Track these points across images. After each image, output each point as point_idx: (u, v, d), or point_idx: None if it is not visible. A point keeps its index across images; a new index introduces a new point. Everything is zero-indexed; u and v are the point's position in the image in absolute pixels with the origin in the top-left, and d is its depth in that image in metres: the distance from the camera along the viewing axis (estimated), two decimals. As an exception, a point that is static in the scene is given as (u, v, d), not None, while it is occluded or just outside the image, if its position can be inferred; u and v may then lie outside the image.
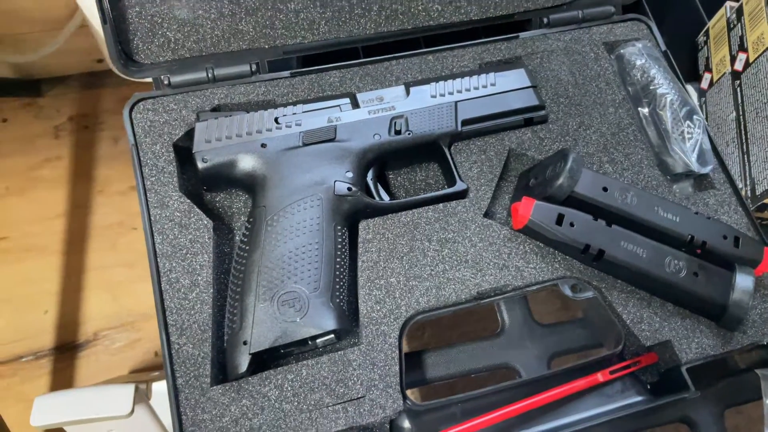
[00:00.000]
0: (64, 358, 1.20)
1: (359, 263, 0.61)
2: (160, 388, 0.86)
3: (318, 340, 0.56)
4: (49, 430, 0.79)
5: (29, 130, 1.41)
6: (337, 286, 0.58)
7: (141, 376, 1.06)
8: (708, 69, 0.84)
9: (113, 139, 1.42)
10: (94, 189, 1.36)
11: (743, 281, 0.59)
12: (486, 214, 0.64)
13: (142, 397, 0.79)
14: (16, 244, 1.29)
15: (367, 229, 0.62)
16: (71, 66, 1.43)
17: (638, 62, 0.72)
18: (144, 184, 0.62)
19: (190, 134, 0.64)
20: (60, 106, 1.44)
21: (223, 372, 0.56)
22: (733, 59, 0.78)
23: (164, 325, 0.56)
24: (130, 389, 0.77)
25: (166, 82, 0.67)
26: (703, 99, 0.84)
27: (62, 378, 1.19)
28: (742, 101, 0.75)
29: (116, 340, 1.22)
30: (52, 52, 1.29)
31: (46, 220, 1.31)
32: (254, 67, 0.69)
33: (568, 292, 0.61)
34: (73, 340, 1.22)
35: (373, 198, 0.64)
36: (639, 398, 0.60)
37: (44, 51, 1.29)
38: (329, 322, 0.56)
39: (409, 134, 0.65)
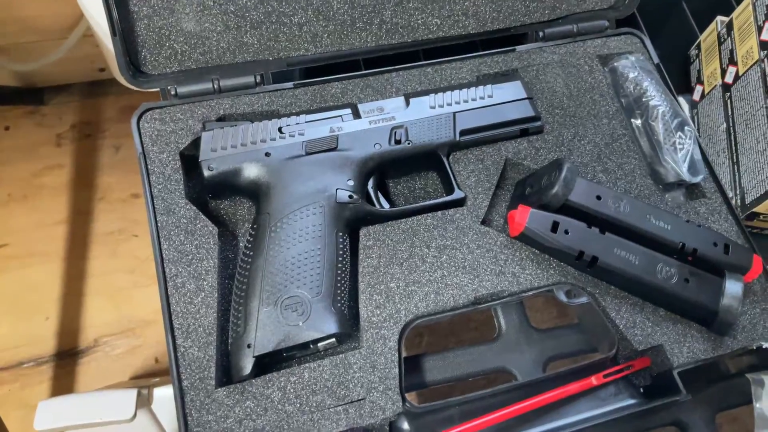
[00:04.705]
0: (65, 364, 1.21)
1: (360, 269, 0.62)
2: (161, 394, 0.87)
3: (319, 344, 0.58)
4: (51, 435, 0.79)
5: (31, 137, 1.42)
6: (339, 291, 0.59)
7: (141, 382, 1.07)
8: (700, 81, 0.86)
9: (114, 148, 1.43)
10: (95, 196, 1.38)
11: (733, 287, 0.60)
12: (483, 222, 0.66)
13: (144, 401, 0.80)
14: (17, 251, 1.29)
15: (367, 235, 0.63)
16: (73, 74, 1.44)
17: (631, 75, 0.74)
18: (151, 192, 0.63)
19: (196, 143, 0.65)
20: (62, 115, 1.45)
21: (227, 374, 0.58)
22: (723, 72, 0.80)
23: (170, 328, 0.58)
24: (132, 394, 0.78)
25: (172, 92, 0.68)
26: (695, 110, 0.86)
27: (63, 384, 1.19)
28: (732, 113, 0.77)
29: (117, 347, 1.23)
30: (55, 61, 1.30)
31: (48, 227, 1.32)
32: (258, 78, 0.71)
33: (562, 297, 0.63)
34: (74, 346, 1.23)
35: (374, 206, 0.65)
36: (632, 401, 0.61)
37: (47, 59, 1.30)
38: (331, 326, 0.57)
39: (408, 144, 0.67)
